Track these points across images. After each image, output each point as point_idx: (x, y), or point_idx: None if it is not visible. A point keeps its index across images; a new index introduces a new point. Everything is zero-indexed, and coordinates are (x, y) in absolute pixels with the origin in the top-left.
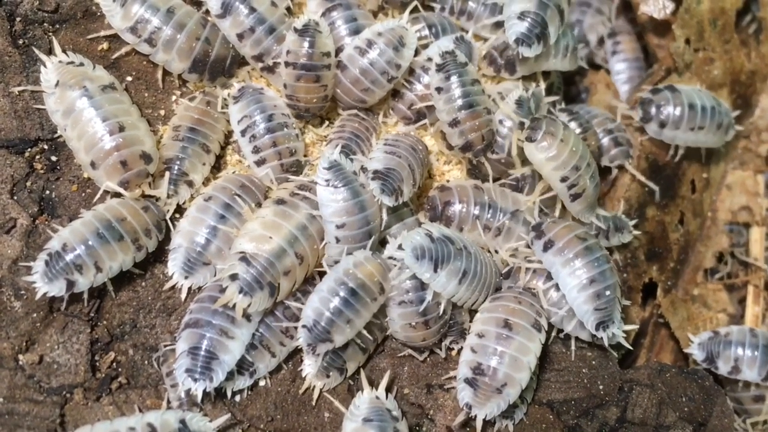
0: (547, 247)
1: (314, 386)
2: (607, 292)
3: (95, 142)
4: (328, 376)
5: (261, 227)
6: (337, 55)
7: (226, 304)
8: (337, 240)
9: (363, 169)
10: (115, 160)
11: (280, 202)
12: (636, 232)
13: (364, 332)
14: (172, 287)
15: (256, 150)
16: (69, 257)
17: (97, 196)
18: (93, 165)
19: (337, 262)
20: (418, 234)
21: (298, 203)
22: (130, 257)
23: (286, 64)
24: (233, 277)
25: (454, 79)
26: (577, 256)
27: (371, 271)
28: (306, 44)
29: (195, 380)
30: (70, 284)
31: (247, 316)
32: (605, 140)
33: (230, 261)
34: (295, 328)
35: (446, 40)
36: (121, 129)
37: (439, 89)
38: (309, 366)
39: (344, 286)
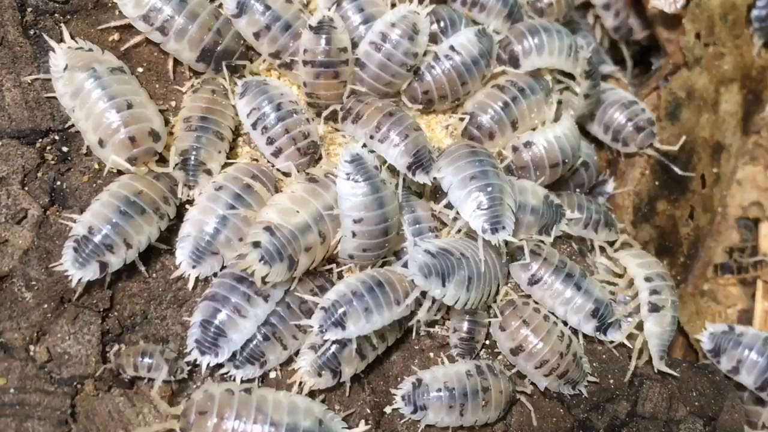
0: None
1: (304, 382)
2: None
3: (103, 120)
4: (319, 375)
5: (289, 201)
6: (353, 47)
7: (246, 278)
8: (354, 234)
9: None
10: (123, 136)
11: (312, 180)
12: (621, 236)
13: (367, 337)
14: (183, 278)
15: (271, 141)
16: (97, 239)
17: (104, 172)
18: (101, 143)
19: (351, 257)
20: (418, 253)
21: (330, 184)
22: (155, 228)
23: (305, 62)
24: (256, 244)
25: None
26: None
27: (401, 277)
28: (323, 41)
29: (202, 353)
30: (103, 266)
31: (264, 297)
32: (628, 129)
33: (254, 229)
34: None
35: (469, 32)
36: (129, 106)
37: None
38: (303, 360)
39: (372, 278)
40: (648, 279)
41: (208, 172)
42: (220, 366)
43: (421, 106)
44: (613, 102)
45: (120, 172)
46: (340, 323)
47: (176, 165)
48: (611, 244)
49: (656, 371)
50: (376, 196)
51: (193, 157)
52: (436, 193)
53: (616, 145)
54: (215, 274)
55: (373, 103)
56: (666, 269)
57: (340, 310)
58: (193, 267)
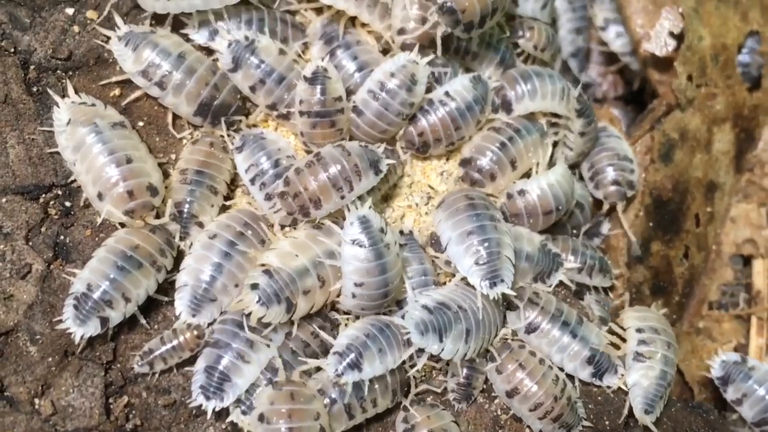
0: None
1: None
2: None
3: (103, 173)
4: None
5: (290, 246)
6: (348, 95)
7: (245, 323)
8: (353, 296)
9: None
10: (121, 190)
11: (317, 227)
12: (616, 282)
13: (356, 397)
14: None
15: (269, 197)
16: (96, 295)
17: (98, 221)
18: (100, 196)
19: (349, 311)
20: (415, 309)
21: (334, 231)
22: (153, 281)
23: (301, 113)
24: (254, 286)
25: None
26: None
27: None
28: (318, 91)
29: (207, 398)
30: (104, 321)
31: (266, 342)
32: (605, 176)
33: (253, 271)
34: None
35: (464, 78)
36: (129, 161)
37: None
38: None
39: (379, 321)
40: (639, 330)
41: (200, 225)
42: (226, 410)
43: (417, 152)
44: (610, 148)
45: (122, 225)
46: (356, 365)
47: (171, 215)
48: (631, 280)
49: (641, 426)
50: (379, 263)
51: (186, 210)
52: (432, 239)
53: (590, 184)
54: (215, 321)
55: (302, 176)
56: (667, 324)
57: (355, 352)
58: (193, 316)
